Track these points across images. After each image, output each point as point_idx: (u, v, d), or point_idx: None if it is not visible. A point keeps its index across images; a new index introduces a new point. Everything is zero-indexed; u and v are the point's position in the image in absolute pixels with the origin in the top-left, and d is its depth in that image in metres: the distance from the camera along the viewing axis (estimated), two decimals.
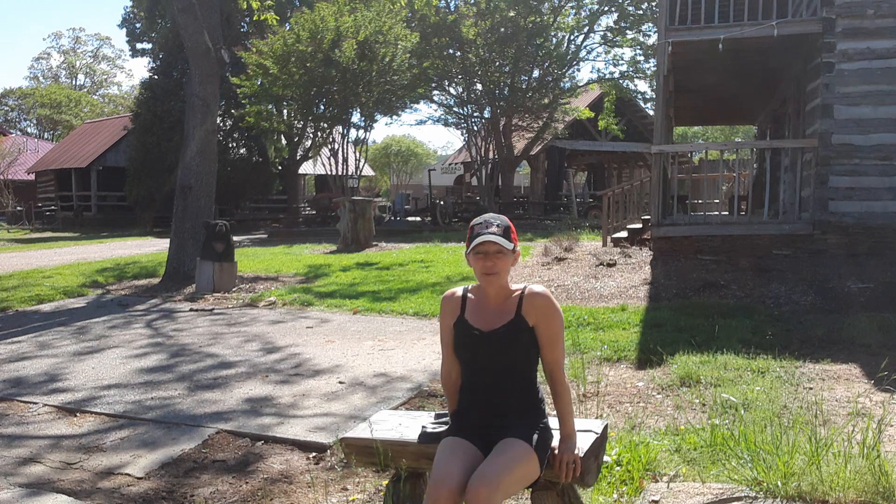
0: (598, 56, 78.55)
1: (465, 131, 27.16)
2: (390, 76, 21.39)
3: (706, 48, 9.98)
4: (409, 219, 26.56)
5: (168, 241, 12.23)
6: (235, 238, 13.46)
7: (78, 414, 5.12)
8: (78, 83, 66.80)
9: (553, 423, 2.82)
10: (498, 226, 2.70)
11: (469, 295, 2.83)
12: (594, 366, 5.81)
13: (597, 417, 4.42)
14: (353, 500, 3.66)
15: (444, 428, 2.88)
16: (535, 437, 2.65)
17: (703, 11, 9.99)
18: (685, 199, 15.47)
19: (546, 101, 25.43)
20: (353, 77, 20.69)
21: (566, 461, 2.69)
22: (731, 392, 4.78)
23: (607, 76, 27.68)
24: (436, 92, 26.47)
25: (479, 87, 25.23)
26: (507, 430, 2.65)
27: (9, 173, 36.02)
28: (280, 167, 30.24)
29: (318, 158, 26.50)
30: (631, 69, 26.65)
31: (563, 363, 2.76)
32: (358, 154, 24.14)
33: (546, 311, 2.72)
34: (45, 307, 9.84)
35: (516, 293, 2.74)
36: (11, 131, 50.22)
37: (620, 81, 27.19)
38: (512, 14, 23.17)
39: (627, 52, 63.03)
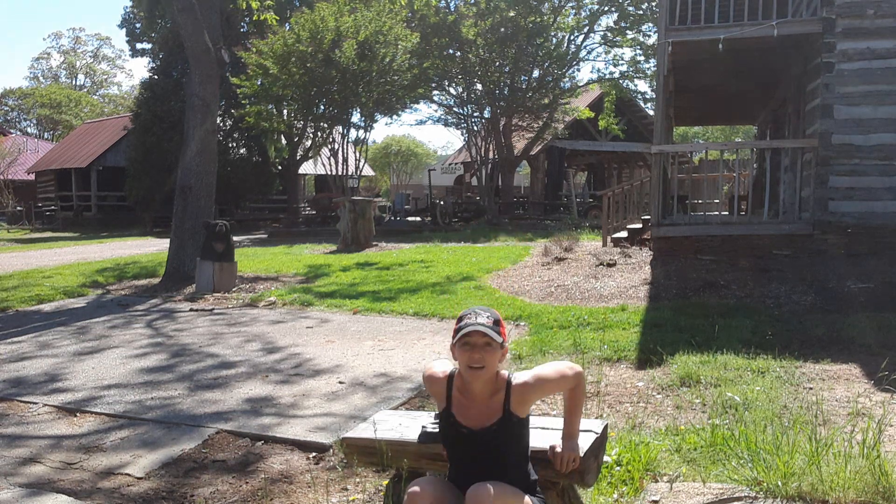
0: (598, 56, 78.71)
1: (465, 131, 27.16)
2: (390, 76, 21.39)
3: (706, 48, 9.98)
4: (409, 219, 26.56)
5: (168, 241, 12.23)
6: (235, 238, 13.46)
7: (78, 414, 5.12)
8: (78, 83, 66.80)
9: (546, 422, 2.84)
10: (487, 317, 2.60)
11: (455, 381, 2.71)
12: (594, 366, 5.81)
13: (597, 417, 4.42)
14: (354, 500, 3.66)
15: None
16: (528, 495, 2.63)
17: (703, 11, 9.99)
18: (685, 199, 15.47)
19: (546, 101, 25.43)
20: (353, 77, 20.69)
21: (566, 459, 2.69)
22: (731, 392, 4.79)
23: (607, 76, 27.68)
24: (436, 92, 26.47)
25: (479, 87, 25.22)
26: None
27: (9, 173, 36.04)
28: (280, 167, 30.23)
29: (318, 158, 26.50)
30: (631, 69, 26.66)
31: (570, 385, 2.73)
32: (358, 154, 24.14)
33: (539, 390, 2.68)
34: (46, 307, 9.84)
35: (501, 387, 2.64)
36: (11, 131, 50.22)
37: (620, 81, 27.19)
38: (512, 14, 23.16)
39: (627, 52, 63.16)
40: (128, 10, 37.22)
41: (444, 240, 17.43)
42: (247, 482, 3.96)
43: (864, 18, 9.21)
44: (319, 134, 25.02)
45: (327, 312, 8.90)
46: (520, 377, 2.66)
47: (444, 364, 2.81)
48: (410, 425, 3.12)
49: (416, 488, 2.57)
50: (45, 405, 5.31)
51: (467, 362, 2.58)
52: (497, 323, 2.61)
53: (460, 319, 2.63)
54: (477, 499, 2.46)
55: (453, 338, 2.62)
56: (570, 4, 26.00)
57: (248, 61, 21.16)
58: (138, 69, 73.79)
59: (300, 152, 29.03)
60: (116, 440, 4.58)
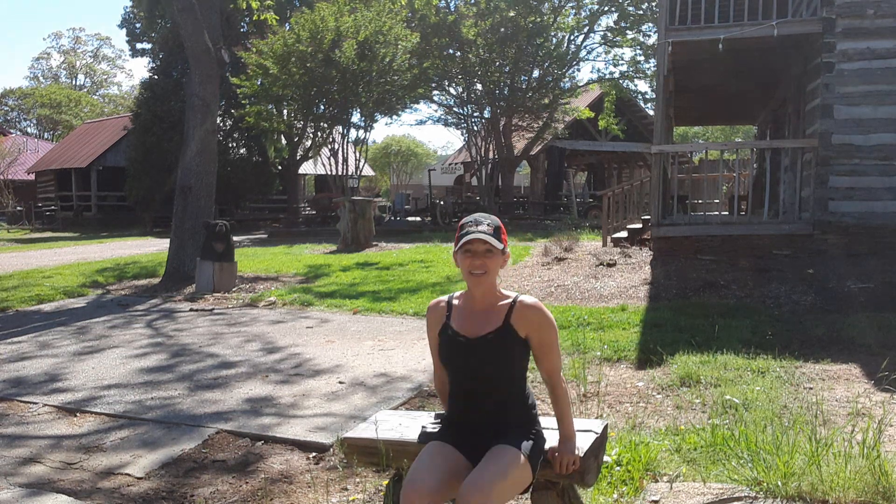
0: (598, 56, 78.80)
1: (465, 131, 27.17)
2: (390, 76, 21.39)
3: (706, 48, 9.98)
4: (409, 219, 26.56)
5: (168, 241, 12.23)
6: (235, 238, 13.46)
7: (78, 414, 5.12)
8: (78, 83, 66.81)
9: (545, 422, 2.82)
10: (488, 225, 2.62)
11: (455, 301, 2.75)
12: (594, 366, 5.81)
13: (597, 417, 4.42)
14: (354, 500, 3.66)
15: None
16: (527, 443, 2.61)
17: (703, 11, 10.00)
18: (685, 199, 15.47)
19: (546, 101, 25.43)
20: (353, 77, 20.69)
21: (566, 462, 2.68)
22: (731, 392, 4.79)
23: (607, 76, 27.69)
24: (436, 92, 26.47)
25: (479, 87, 25.23)
26: (498, 437, 2.60)
27: (9, 173, 36.04)
28: (280, 167, 30.23)
29: (318, 158, 26.50)
30: (631, 69, 26.67)
31: (560, 369, 2.73)
32: (358, 154, 24.14)
33: (539, 324, 2.65)
34: (46, 307, 9.84)
35: (506, 301, 2.66)
36: (11, 131, 50.22)
37: (620, 81, 27.20)
38: (512, 14, 23.17)
39: (627, 52, 63.19)
40: (128, 10, 37.25)
41: (444, 240, 17.43)
42: (247, 482, 3.96)
43: (864, 18, 9.21)
44: (319, 134, 25.02)
45: (327, 312, 8.90)
46: (528, 299, 2.67)
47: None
48: (410, 425, 3.12)
49: (413, 488, 2.51)
50: (45, 405, 5.31)
51: (469, 268, 2.61)
52: (498, 230, 2.64)
53: (462, 227, 2.65)
54: (468, 501, 2.42)
55: (455, 245, 2.65)
56: (570, 4, 26.01)
57: (248, 61, 21.16)
58: (138, 69, 73.89)
59: (300, 152, 29.02)
60: (116, 440, 4.58)
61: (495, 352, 2.63)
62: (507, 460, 2.52)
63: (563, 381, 2.74)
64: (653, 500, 3.26)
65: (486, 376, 2.65)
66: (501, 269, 2.70)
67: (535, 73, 25.67)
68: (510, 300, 2.66)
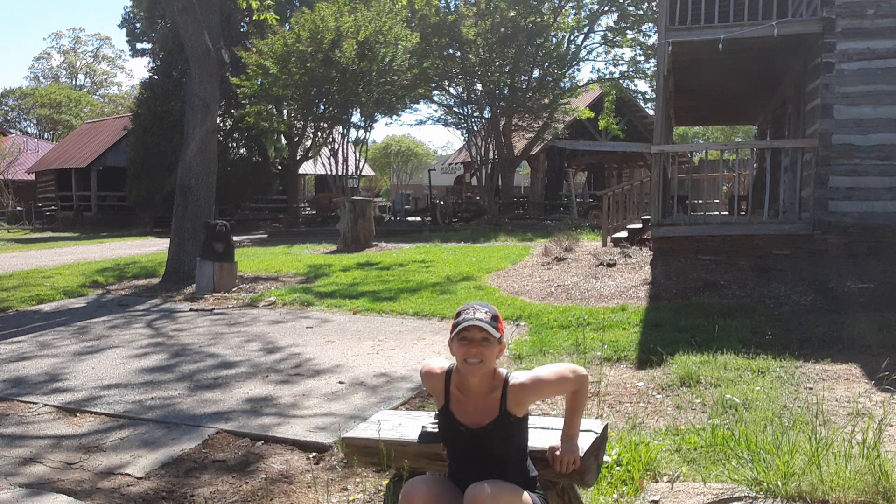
0: (598, 56, 78.65)
1: (465, 131, 27.15)
2: (390, 76, 21.37)
3: (706, 48, 9.98)
4: (409, 219, 26.57)
5: (168, 241, 12.23)
6: (235, 238, 13.46)
7: (78, 414, 5.13)
8: (78, 83, 66.80)
9: (546, 422, 2.83)
10: (486, 312, 2.58)
11: (452, 377, 2.70)
12: (594, 366, 5.81)
13: (597, 417, 4.42)
14: (354, 500, 3.66)
15: None
16: (527, 491, 2.61)
17: (703, 11, 9.99)
18: (685, 199, 15.48)
19: (546, 101, 25.42)
20: (353, 77, 20.68)
21: (566, 461, 2.68)
22: (731, 392, 4.79)
23: (607, 76, 27.69)
24: (436, 92, 26.47)
25: (479, 87, 25.22)
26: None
27: (9, 173, 36.02)
28: (280, 167, 30.22)
29: (318, 158, 26.48)
30: (631, 69, 26.68)
31: (572, 387, 2.72)
32: (358, 154, 24.13)
33: (534, 392, 2.65)
34: (46, 307, 9.84)
35: (498, 385, 2.62)
36: (11, 131, 50.20)
37: (620, 81, 27.20)
38: (512, 14, 23.16)
39: (627, 52, 63.22)
40: (128, 10, 37.23)
41: (444, 240, 17.43)
42: (247, 482, 3.96)
43: (864, 18, 9.21)
44: (319, 134, 25.01)
45: (327, 312, 8.90)
46: (517, 377, 2.64)
47: (441, 361, 2.81)
48: (410, 425, 3.12)
49: (411, 488, 2.58)
50: (46, 405, 5.31)
51: (464, 357, 2.57)
52: (495, 319, 2.61)
53: (458, 314, 2.62)
54: (474, 499, 2.45)
55: (451, 332, 2.61)
56: (570, 4, 26.01)
57: (248, 61, 21.15)
58: (138, 69, 73.90)
59: (300, 152, 29.00)
60: (116, 440, 4.58)
61: (496, 438, 2.62)
62: (513, 486, 2.55)
63: (583, 388, 2.74)
64: (653, 500, 3.26)
65: (487, 458, 2.66)
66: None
67: (535, 73, 25.68)
68: (501, 385, 2.63)
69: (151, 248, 17.90)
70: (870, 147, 9.22)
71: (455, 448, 2.73)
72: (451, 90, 26.61)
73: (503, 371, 2.66)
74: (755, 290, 8.36)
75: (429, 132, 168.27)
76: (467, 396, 2.65)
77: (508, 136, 26.26)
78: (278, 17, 14.58)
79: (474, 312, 2.58)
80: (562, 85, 26.15)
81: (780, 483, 3.16)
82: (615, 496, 3.38)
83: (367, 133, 24.67)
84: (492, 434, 2.61)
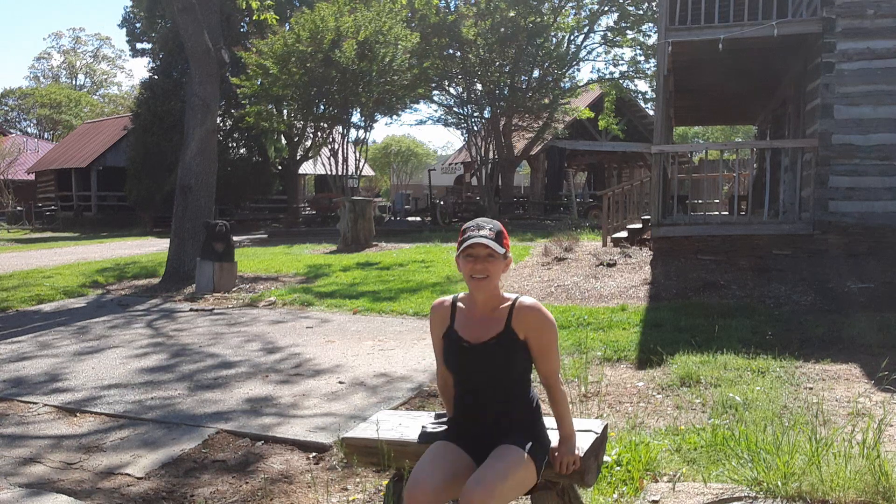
0: (598, 56, 78.58)
1: (465, 131, 27.14)
2: (390, 76, 21.37)
3: (706, 48, 9.98)
4: (409, 219, 26.56)
5: (168, 241, 12.23)
6: (235, 238, 13.46)
7: (78, 414, 5.13)
8: (78, 83, 66.80)
9: (547, 423, 2.82)
10: (490, 229, 2.62)
11: (459, 304, 2.75)
12: (594, 366, 5.81)
13: (597, 417, 4.42)
14: (354, 500, 3.66)
15: (443, 428, 2.87)
16: (531, 444, 2.62)
17: (703, 11, 9.99)
18: (685, 199, 15.48)
19: (546, 101, 25.42)
20: (353, 77, 20.68)
21: (566, 462, 2.68)
22: (731, 392, 4.79)
23: (607, 76, 27.68)
24: (436, 92, 26.46)
25: (479, 87, 25.21)
26: (503, 437, 2.62)
27: (9, 173, 36.02)
28: (280, 167, 30.21)
29: (318, 158, 26.47)
30: (631, 69, 26.66)
31: (558, 371, 2.73)
32: (358, 154, 24.13)
33: (538, 326, 2.65)
34: (46, 307, 9.84)
35: (506, 304, 2.66)
36: (11, 131, 50.19)
37: (620, 81, 27.19)
38: (512, 14, 23.16)
39: (627, 52, 63.22)
40: (128, 10, 37.23)
41: (444, 240, 17.43)
42: (247, 482, 3.96)
43: (864, 18, 9.21)
44: (319, 134, 25.01)
45: (327, 312, 8.90)
46: (528, 300, 2.67)
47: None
48: (410, 425, 3.12)
49: (415, 487, 2.53)
50: (46, 405, 5.31)
51: (470, 272, 2.62)
52: (500, 235, 2.64)
53: (464, 232, 2.66)
54: (472, 500, 2.42)
55: (457, 249, 2.66)
56: (570, 4, 26.00)
57: (248, 61, 21.15)
58: (138, 69, 73.87)
59: (300, 152, 28.98)
60: (116, 440, 4.58)
61: (498, 356, 2.64)
62: (512, 460, 2.54)
63: (561, 382, 2.75)
64: (653, 500, 3.26)
65: (489, 379, 2.66)
66: (502, 273, 2.70)
67: (535, 73, 25.68)
68: (510, 303, 2.66)
69: (151, 248, 17.91)
70: (870, 147, 9.22)
71: (458, 371, 2.73)
72: (451, 90, 26.61)
73: (513, 295, 2.69)
74: (755, 290, 8.36)
75: (429, 132, 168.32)
76: (473, 313, 2.69)
77: (508, 136, 26.26)
78: (278, 17, 14.57)
79: (479, 230, 2.62)
80: (562, 85, 26.15)
81: (780, 483, 3.16)
82: (615, 496, 3.38)
83: (367, 133, 24.68)
84: (494, 349, 2.62)
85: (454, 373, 2.76)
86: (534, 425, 2.70)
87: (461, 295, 2.79)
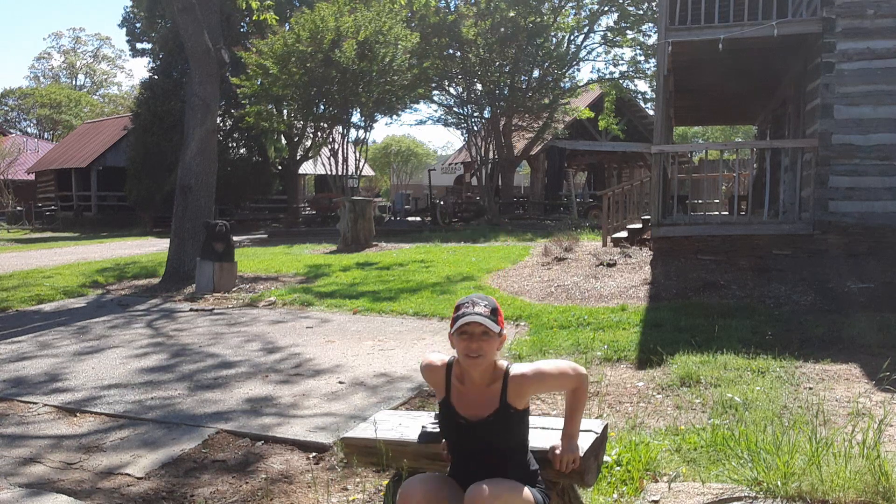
0: (598, 56, 78.61)
1: (465, 131, 27.15)
2: (390, 76, 21.37)
3: (706, 48, 9.98)
4: (409, 219, 26.56)
5: (168, 241, 12.23)
6: (235, 238, 13.46)
7: (78, 414, 5.12)
8: (78, 83, 66.79)
9: (546, 422, 2.82)
10: (485, 306, 2.59)
11: (453, 370, 2.70)
12: (594, 366, 5.81)
13: (597, 417, 4.42)
14: (354, 500, 3.66)
15: None
16: (528, 486, 2.60)
17: (703, 11, 9.99)
18: (685, 199, 15.48)
19: (546, 101, 25.43)
20: (353, 77, 20.68)
21: (566, 461, 2.68)
22: (731, 392, 4.79)
23: (607, 76, 27.69)
24: (436, 92, 26.47)
25: (479, 87, 25.22)
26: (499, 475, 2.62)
27: (9, 173, 36.02)
28: (280, 167, 30.20)
29: (318, 158, 26.48)
30: (631, 69, 26.67)
31: (573, 383, 2.71)
32: (358, 154, 24.13)
33: (535, 385, 2.64)
34: (46, 307, 9.84)
35: (499, 377, 2.63)
36: (11, 131, 50.20)
37: (620, 81, 27.20)
38: (512, 14, 23.16)
39: (627, 52, 63.24)
40: (128, 10, 37.24)
41: (444, 240, 17.43)
42: (247, 482, 3.96)
43: (864, 18, 9.21)
44: (319, 134, 25.01)
45: (327, 312, 8.90)
46: (518, 368, 2.65)
47: (440, 355, 2.81)
48: (410, 425, 3.12)
49: (408, 488, 2.57)
50: (46, 405, 5.31)
51: (465, 351, 2.57)
52: (495, 312, 2.61)
53: (458, 308, 2.62)
54: (474, 500, 2.45)
55: (451, 327, 2.61)
56: (570, 4, 26.01)
57: (248, 61, 21.15)
58: (138, 69, 73.90)
59: (300, 152, 28.97)
60: (116, 440, 4.58)
61: (496, 431, 2.63)
62: (513, 484, 2.54)
63: (580, 389, 2.74)
64: (653, 500, 3.26)
65: (487, 447, 2.65)
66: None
67: (535, 73, 25.68)
68: (502, 377, 2.63)
69: (151, 248, 17.90)
70: (870, 147, 9.22)
71: (455, 442, 2.73)
72: (451, 90, 26.62)
73: (504, 363, 2.66)
74: (755, 290, 8.36)
75: (429, 132, 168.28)
76: (468, 389, 2.65)
77: (508, 136, 26.26)
78: (278, 18, 14.57)
79: (473, 307, 2.58)
80: (562, 85, 26.15)
81: (780, 483, 3.16)
82: (615, 496, 3.38)
83: (367, 133, 24.69)
84: (492, 426, 2.60)
85: (451, 442, 2.76)
86: (530, 473, 2.68)
87: (454, 360, 2.73)
